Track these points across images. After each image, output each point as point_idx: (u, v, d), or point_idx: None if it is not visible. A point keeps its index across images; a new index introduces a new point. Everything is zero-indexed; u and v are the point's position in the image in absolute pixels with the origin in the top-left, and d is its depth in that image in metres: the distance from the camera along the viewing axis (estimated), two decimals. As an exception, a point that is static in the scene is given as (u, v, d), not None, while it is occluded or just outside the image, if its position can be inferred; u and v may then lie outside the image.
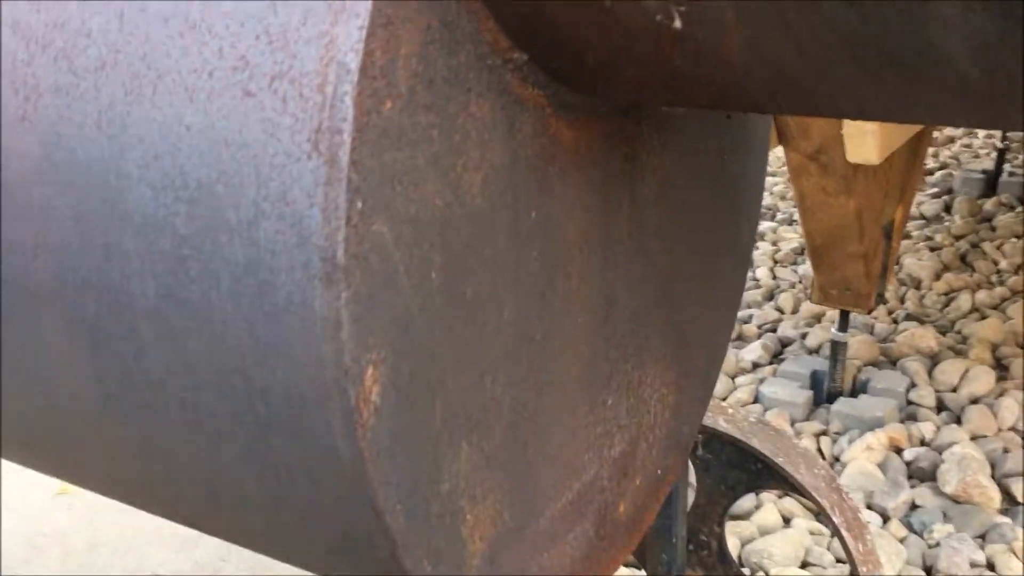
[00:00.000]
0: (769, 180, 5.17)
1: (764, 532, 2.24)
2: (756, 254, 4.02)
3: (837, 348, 2.74)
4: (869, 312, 2.63)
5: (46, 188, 0.71)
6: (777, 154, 5.48)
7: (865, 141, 1.88)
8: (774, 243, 4.19)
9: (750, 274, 3.90)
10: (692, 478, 1.53)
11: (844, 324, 2.71)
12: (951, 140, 5.90)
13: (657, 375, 1.10)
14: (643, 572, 1.66)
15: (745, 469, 1.50)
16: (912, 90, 0.62)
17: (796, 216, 3.90)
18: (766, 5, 0.58)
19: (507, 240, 0.78)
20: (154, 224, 0.67)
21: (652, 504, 1.16)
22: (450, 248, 0.71)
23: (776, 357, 3.10)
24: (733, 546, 2.20)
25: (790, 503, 2.35)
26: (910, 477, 2.44)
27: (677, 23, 0.62)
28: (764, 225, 4.41)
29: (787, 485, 1.47)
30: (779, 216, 4.58)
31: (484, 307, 0.76)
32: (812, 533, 2.24)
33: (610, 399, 1.00)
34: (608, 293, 0.96)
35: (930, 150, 5.66)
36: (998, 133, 4.94)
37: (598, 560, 1.05)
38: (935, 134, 6.05)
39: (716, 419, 1.48)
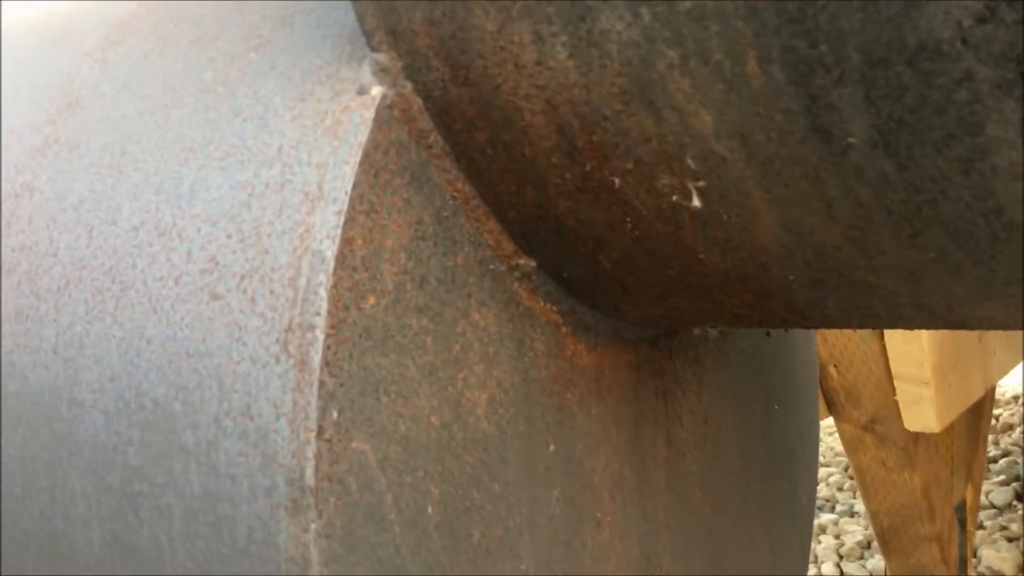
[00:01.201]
0: (823, 471, 4.95)
1: None
2: (819, 548, 3.75)
3: (922, 649, 2.44)
4: (952, 605, 2.37)
5: (-7, 424, 0.63)
6: (827, 443, 5.31)
7: (923, 406, 1.76)
8: (837, 536, 3.92)
9: (814, 570, 3.61)
10: None
11: (926, 620, 2.43)
12: (1010, 427, 5.70)
13: (715, 658, 0.93)
14: None
15: None
16: (977, 272, 0.53)
17: (857, 507, 3.68)
18: (799, 177, 0.51)
19: (521, 475, 0.67)
20: (104, 456, 0.58)
21: None
22: (451, 478, 0.60)
23: (854, 662, 2.78)
24: None
25: None
26: None
27: (696, 201, 0.55)
28: (824, 518, 4.16)
29: None
30: (839, 508, 4.33)
31: (495, 555, 0.64)
32: None
33: None
34: (649, 552, 0.83)
35: (990, 437, 5.45)
36: (1058, 416, 4.76)
37: None
38: (992, 420, 5.86)
39: None
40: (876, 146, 0.47)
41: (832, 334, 1.84)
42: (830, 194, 0.51)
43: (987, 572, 3.36)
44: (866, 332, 1.78)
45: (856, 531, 3.91)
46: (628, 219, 0.58)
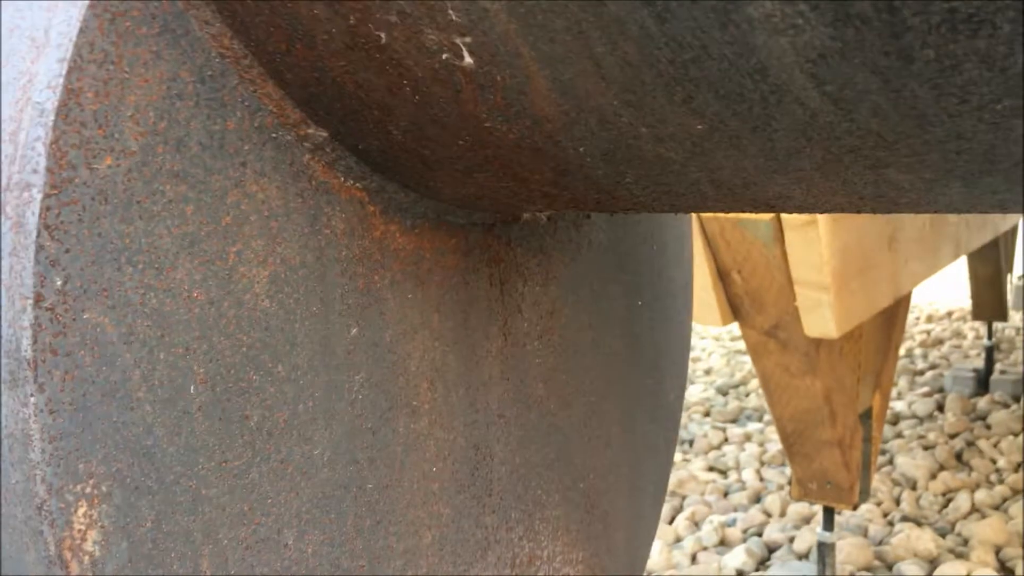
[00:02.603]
0: (755, 382, 5.03)
1: None
2: (743, 455, 3.82)
3: (824, 550, 2.51)
4: (854, 508, 2.42)
5: None
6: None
7: (821, 312, 1.76)
8: (761, 444, 3.99)
9: (735, 476, 3.69)
10: None
11: (829, 522, 2.49)
12: (940, 342, 5.82)
13: (558, 552, 0.92)
14: None
15: None
16: (757, 142, 0.50)
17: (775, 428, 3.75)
18: (563, 31, 0.47)
19: (314, 358, 0.63)
20: None
21: None
22: (220, 358, 0.57)
23: (762, 564, 2.85)
24: None
25: None
26: None
27: (468, 59, 0.50)
28: (751, 426, 4.23)
29: None
30: (766, 417, 4.41)
31: (280, 439, 0.61)
32: None
33: (487, 576, 0.82)
34: (478, 442, 0.80)
35: (919, 351, 5.56)
36: (985, 332, 4.86)
37: None
38: (915, 328, 5.98)
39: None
40: (633, -5, 0.43)
41: (736, 240, 1.82)
42: (597, 51, 0.47)
43: (900, 478, 3.45)
44: (768, 237, 1.76)
45: (778, 440, 3.99)
46: (406, 82, 0.54)
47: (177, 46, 0.53)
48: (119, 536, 0.51)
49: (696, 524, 3.17)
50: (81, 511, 0.49)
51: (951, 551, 2.81)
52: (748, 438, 4.10)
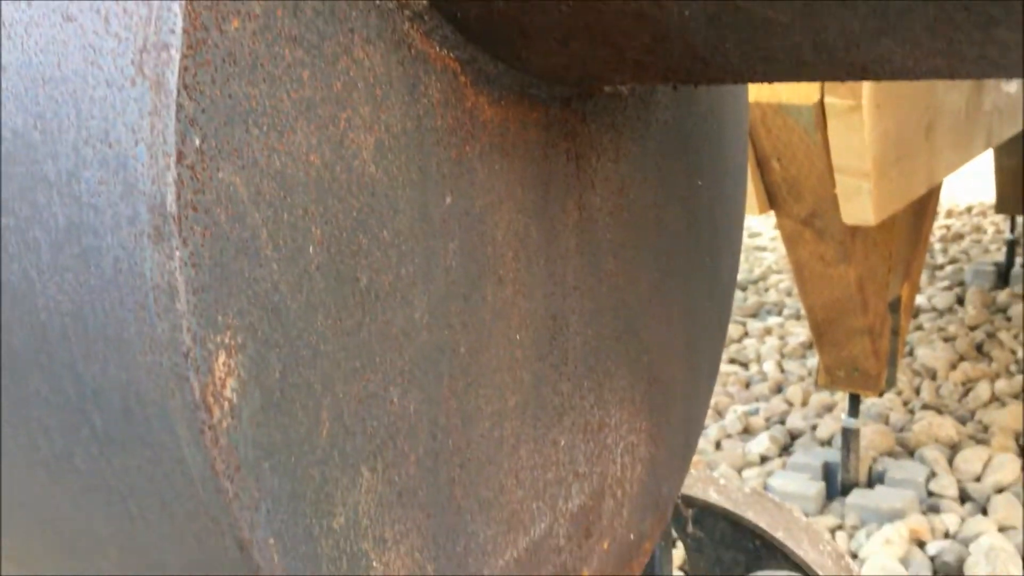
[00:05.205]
0: (774, 277, 5.06)
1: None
2: (763, 348, 3.88)
3: (849, 436, 2.57)
4: (880, 395, 2.47)
5: None
6: (780, 251, 5.40)
7: (861, 199, 1.77)
8: (781, 337, 4.05)
9: (756, 368, 3.75)
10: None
11: (855, 409, 2.55)
12: (960, 236, 5.81)
13: (624, 420, 0.96)
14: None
15: (742, 547, 1.33)
16: (878, 2, 0.51)
17: (803, 311, 3.79)
18: None
19: (414, 225, 0.66)
20: (-32, 191, 0.55)
21: (625, 574, 1.00)
22: (334, 220, 0.59)
23: (785, 450, 2.93)
24: (743, 650, 2.00)
25: (805, 602, 2.14)
26: (934, 572, 2.24)
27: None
28: (771, 320, 4.28)
29: (789, 564, 1.30)
30: (786, 311, 4.45)
31: (385, 301, 0.64)
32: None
33: (562, 440, 0.86)
34: (556, 313, 0.83)
35: (939, 246, 5.57)
36: (1006, 226, 4.85)
37: (558, 637, 0.89)
38: (936, 224, 5.97)
39: (706, 489, 1.33)
40: None
41: (776, 127, 1.82)
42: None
43: (921, 369, 3.51)
44: (810, 123, 1.76)
45: (800, 333, 4.04)
46: (515, -55, 0.55)
47: (292, -90, 0.53)
48: (253, 385, 0.54)
49: (719, 413, 3.24)
50: (221, 360, 0.52)
51: (972, 437, 2.88)
52: (768, 332, 4.15)
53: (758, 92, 1.74)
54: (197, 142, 0.50)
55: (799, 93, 1.70)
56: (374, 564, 0.65)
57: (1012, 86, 2.73)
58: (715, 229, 1.11)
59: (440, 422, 0.70)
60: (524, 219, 0.78)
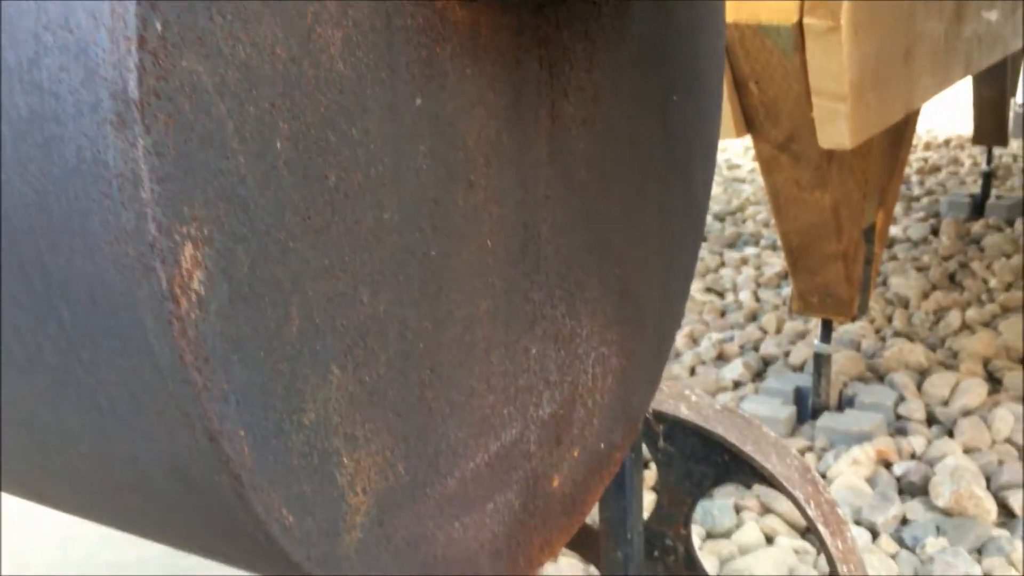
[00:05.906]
0: (752, 208, 5.08)
1: (745, 551, 2.09)
2: (739, 278, 3.90)
3: (820, 361, 2.61)
4: (852, 320, 2.50)
5: None
6: (758, 182, 5.40)
7: (837, 122, 1.77)
8: (757, 267, 4.07)
9: (732, 297, 3.78)
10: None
11: (827, 335, 2.58)
12: (937, 169, 5.83)
13: (595, 331, 0.97)
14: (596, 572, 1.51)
15: (711, 462, 1.36)
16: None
17: (779, 242, 3.81)
18: None
19: (383, 125, 0.65)
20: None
21: (595, 483, 1.02)
22: (302, 116, 0.59)
23: (758, 376, 2.97)
24: (712, 566, 2.05)
25: (773, 520, 2.19)
26: (900, 492, 2.29)
27: None
28: (748, 251, 4.30)
29: (756, 477, 1.33)
30: (763, 242, 4.47)
31: (355, 201, 0.64)
32: (796, 552, 2.09)
33: (534, 348, 0.87)
34: (527, 221, 0.83)
35: (915, 178, 5.59)
36: (983, 158, 4.88)
37: (527, 540, 0.91)
38: (913, 156, 5.99)
39: (677, 405, 1.35)
40: None
41: (755, 49, 1.81)
42: None
43: (893, 297, 3.54)
44: (789, 45, 1.75)
45: (776, 264, 4.07)
46: None
47: None
48: (221, 278, 0.54)
49: (695, 340, 3.27)
50: (187, 251, 0.52)
51: (941, 363, 2.93)
52: (745, 262, 4.17)
53: (737, 12, 1.73)
54: (159, 27, 0.49)
55: (778, 13, 1.68)
56: (345, 461, 0.66)
57: (992, 14, 2.72)
58: (689, 146, 1.10)
59: (411, 324, 0.71)
60: (496, 125, 0.77)
